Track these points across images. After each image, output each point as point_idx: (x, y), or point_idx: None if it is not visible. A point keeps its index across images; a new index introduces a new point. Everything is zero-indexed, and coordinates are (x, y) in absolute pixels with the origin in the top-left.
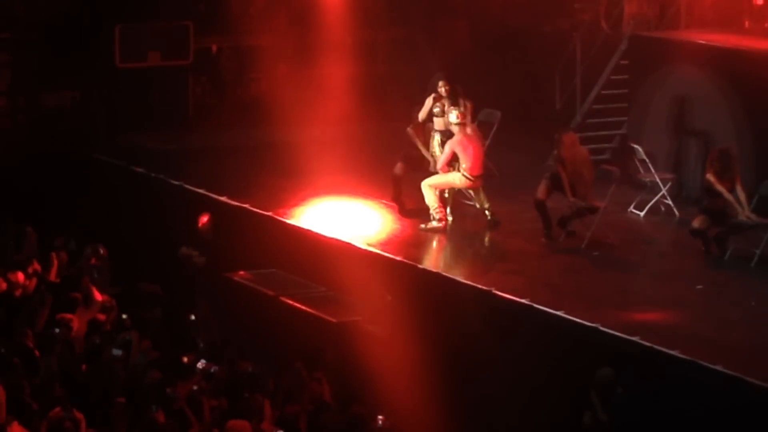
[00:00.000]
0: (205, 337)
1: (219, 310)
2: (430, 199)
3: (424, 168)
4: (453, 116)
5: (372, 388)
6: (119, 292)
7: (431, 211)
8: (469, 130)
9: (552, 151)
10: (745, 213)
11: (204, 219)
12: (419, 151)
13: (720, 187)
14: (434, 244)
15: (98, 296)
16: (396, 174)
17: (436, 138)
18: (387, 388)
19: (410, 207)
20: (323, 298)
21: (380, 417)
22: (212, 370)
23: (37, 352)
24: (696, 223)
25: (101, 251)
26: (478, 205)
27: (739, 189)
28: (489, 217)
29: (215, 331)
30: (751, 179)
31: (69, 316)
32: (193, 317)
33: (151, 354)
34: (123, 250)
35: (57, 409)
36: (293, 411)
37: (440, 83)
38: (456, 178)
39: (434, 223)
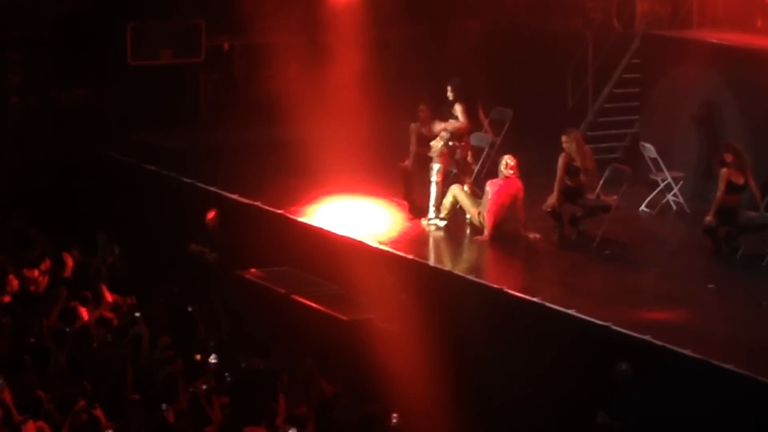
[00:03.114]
0: (216, 334)
1: (231, 307)
2: (447, 201)
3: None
4: (503, 165)
5: (385, 386)
6: (131, 289)
7: (442, 213)
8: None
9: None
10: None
11: (211, 215)
12: (426, 148)
13: (736, 182)
14: (445, 241)
15: (109, 296)
16: (405, 171)
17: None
18: (400, 386)
19: (421, 205)
20: (335, 296)
21: (394, 415)
22: (226, 377)
23: (51, 345)
24: (708, 220)
25: (116, 250)
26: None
27: (752, 184)
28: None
29: (226, 328)
30: (764, 177)
31: (78, 307)
32: (190, 308)
33: (166, 351)
34: (135, 247)
35: (81, 403)
36: (304, 409)
37: (449, 87)
38: (472, 210)
39: (438, 221)
